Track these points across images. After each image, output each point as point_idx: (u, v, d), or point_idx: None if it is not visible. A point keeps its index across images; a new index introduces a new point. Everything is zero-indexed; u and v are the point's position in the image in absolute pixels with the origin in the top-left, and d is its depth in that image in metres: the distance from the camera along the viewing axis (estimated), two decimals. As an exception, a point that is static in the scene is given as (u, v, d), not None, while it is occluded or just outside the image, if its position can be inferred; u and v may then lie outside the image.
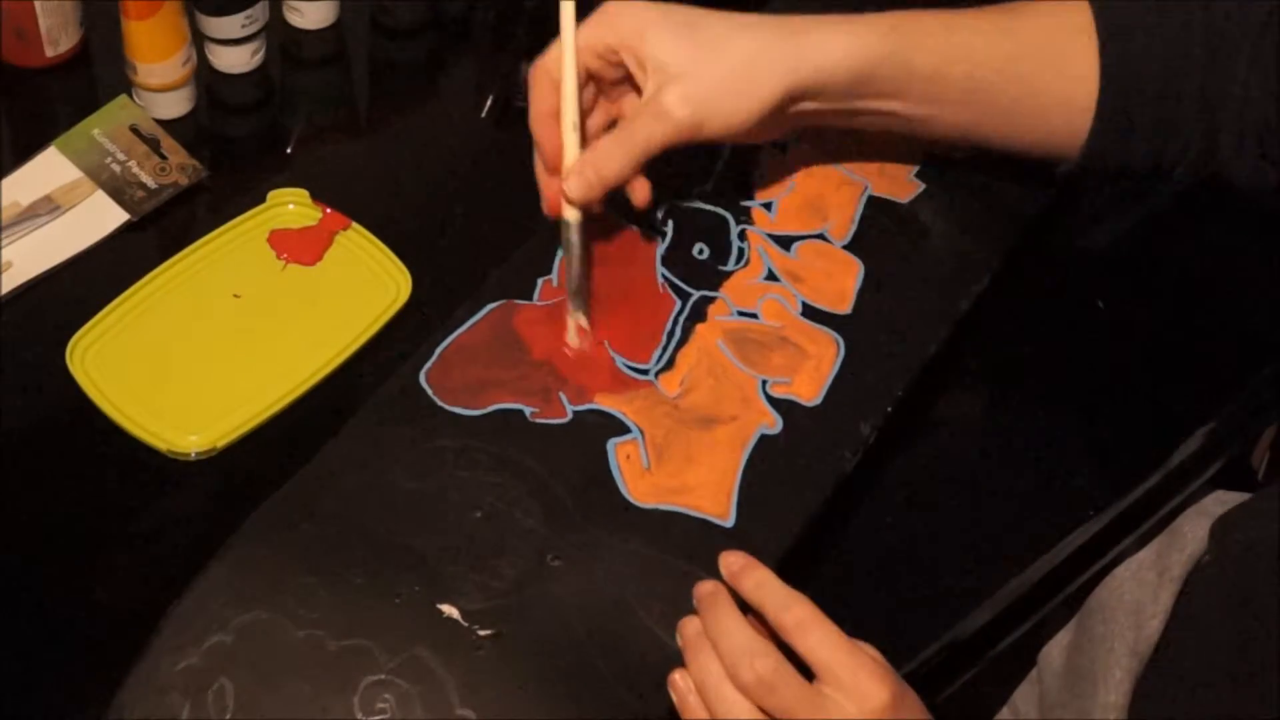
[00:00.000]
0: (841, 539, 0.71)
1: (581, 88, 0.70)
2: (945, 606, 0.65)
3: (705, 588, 0.62)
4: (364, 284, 0.78)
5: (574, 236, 0.70)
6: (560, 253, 0.72)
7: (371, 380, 0.71)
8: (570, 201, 0.69)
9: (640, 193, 0.72)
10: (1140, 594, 0.79)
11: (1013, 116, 0.72)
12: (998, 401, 0.80)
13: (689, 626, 0.61)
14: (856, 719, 0.57)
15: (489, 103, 0.91)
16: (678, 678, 0.61)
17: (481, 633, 0.62)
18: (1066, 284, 0.85)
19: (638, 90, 0.70)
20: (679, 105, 0.67)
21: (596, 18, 0.69)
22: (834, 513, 0.69)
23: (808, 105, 0.70)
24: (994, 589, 0.72)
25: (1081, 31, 0.70)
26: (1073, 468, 0.77)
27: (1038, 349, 0.82)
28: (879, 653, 0.60)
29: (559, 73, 0.69)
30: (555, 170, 0.70)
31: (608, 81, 0.71)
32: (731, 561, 0.63)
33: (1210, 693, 0.70)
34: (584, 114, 0.71)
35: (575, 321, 0.71)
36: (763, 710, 0.58)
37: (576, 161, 0.69)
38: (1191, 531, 0.79)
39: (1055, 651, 0.85)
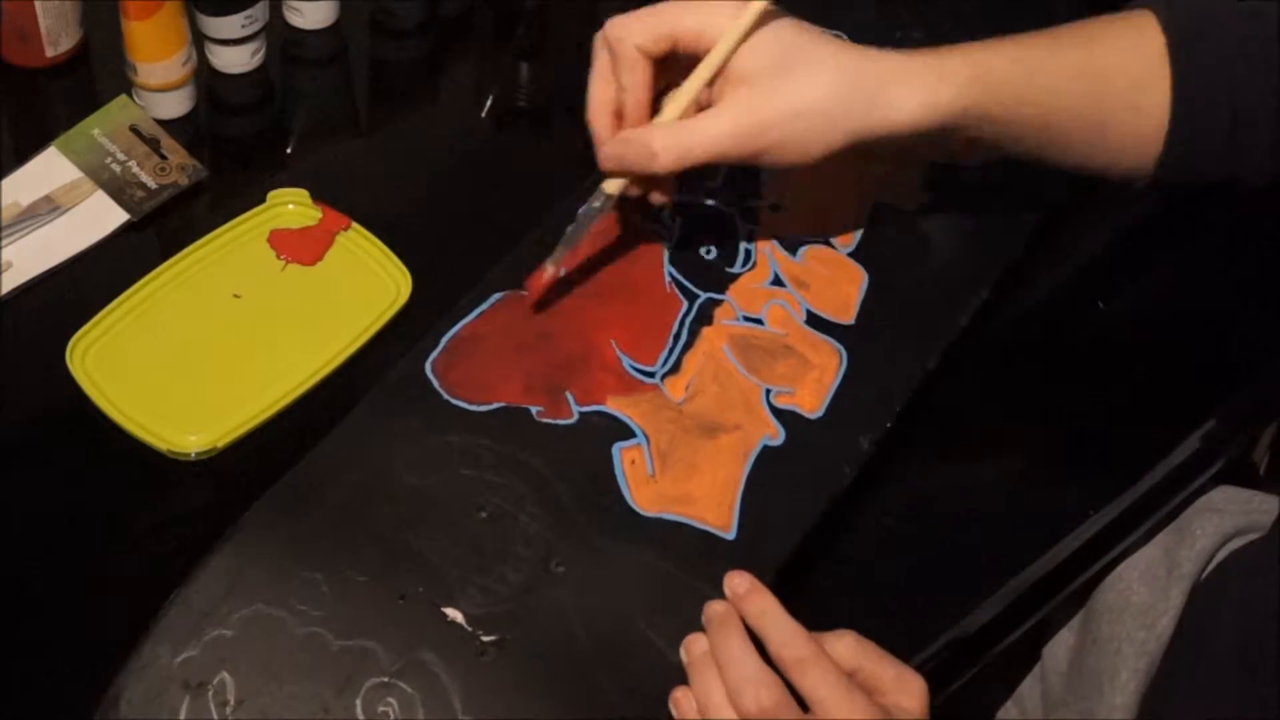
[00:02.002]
0: (843, 536, 0.71)
1: (650, 59, 0.68)
2: (946, 605, 0.65)
3: (716, 609, 0.62)
4: (364, 284, 0.78)
5: (598, 204, 0.69)
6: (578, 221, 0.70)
7: (371, 380, 0.71)
8: (604, 167, 0.68)
9: (660, 198, 0.71)
10: (1150, 593, 0.79)
11: (1083, 148, 0.71)
12: (998, 401, 0.80)
13: (695, 646, 0.61)
14: None
15: (489, 103, 0.91)
16: (680, 697, 0.61)
17: (485, 638, 0.62)
18: (1066, 284, 0.85)
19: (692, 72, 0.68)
20: (750, 133, 0.66)
21: (702, 5, 0.67)
22: (834, 511, 0.69)
23: (871, 148, 0.69)
24: (995, 588, 0.72)
25: (1156, 62, 0.69)
26: (1073, 467, 0.77)
27: (1038, 349, 0.82)
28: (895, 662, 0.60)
29: (657, 47, 0.67)
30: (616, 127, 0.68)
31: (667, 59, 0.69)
32: (737, 584, 0.63)
33: (1223, 692, 0.70)
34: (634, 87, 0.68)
35: (548, 266, 0.71)
36: None
37: (628, 132, 0.68)
38: (1200, 529, 0.79)
39: (1060, 651, 0.84)
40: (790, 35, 0.67)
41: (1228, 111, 0.69)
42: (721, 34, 0.66)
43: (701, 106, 0.69)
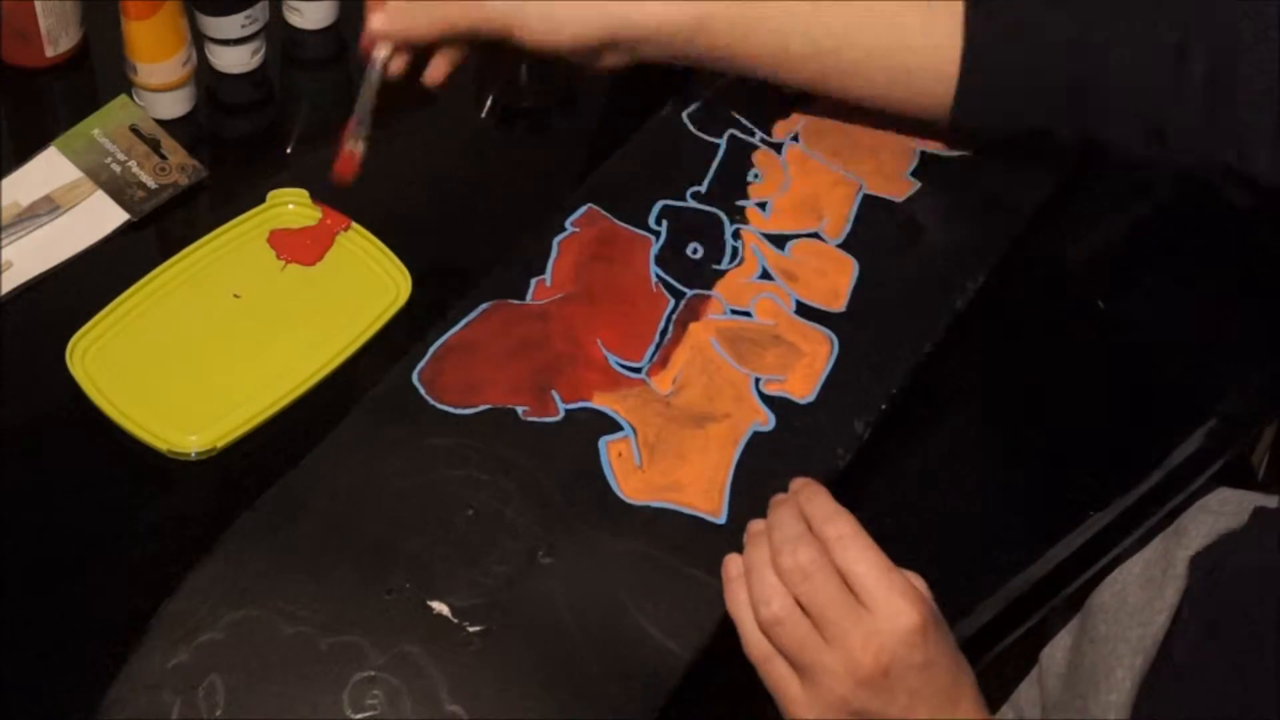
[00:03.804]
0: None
1: None
2: (945, 606, 0.64)
3: (779, 495, 0.64)
4: (364, 284, 0.78)
5: (375, 72, 0.74)
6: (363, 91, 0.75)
7: (371, 381, 0.71)
8: (372, 33, 0.73)
9: (435, 71, 0.74)
10: (1146, 592, 0.79)
11: (864, 76, 0.73)
12: (997, 401, 0.80)
13: (755, 524, 0.64)
14: (885, 633, 0.58)
15: (489, 103, 0.91)
16: (729, 562, 0.63)
17: (471, 629, 0.62)
18: (1066, 284, 0.85)
19: None
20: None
21: None
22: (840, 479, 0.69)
23: (635, 51, 0.72)
24: (993, 589, 0.72)
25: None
26: (1073, 468, 0.77)
27: (1038, 348, 0.82)
28: (923, 582, 0.61)
29: None
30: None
31: None
32: (796, 480, 0.65)
33: (1216, 689, 0.70)
34: None
35: (350, 148, 0.74)
36: (797, 599, 0.59)
37: (386, 6, 0.72)
38: (1196, 529, 0.80)
39: (1058, 652, 0.85)
40: None
41: (1024, 46, 0.71)
42: None
43: None
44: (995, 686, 0.89)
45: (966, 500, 0.75)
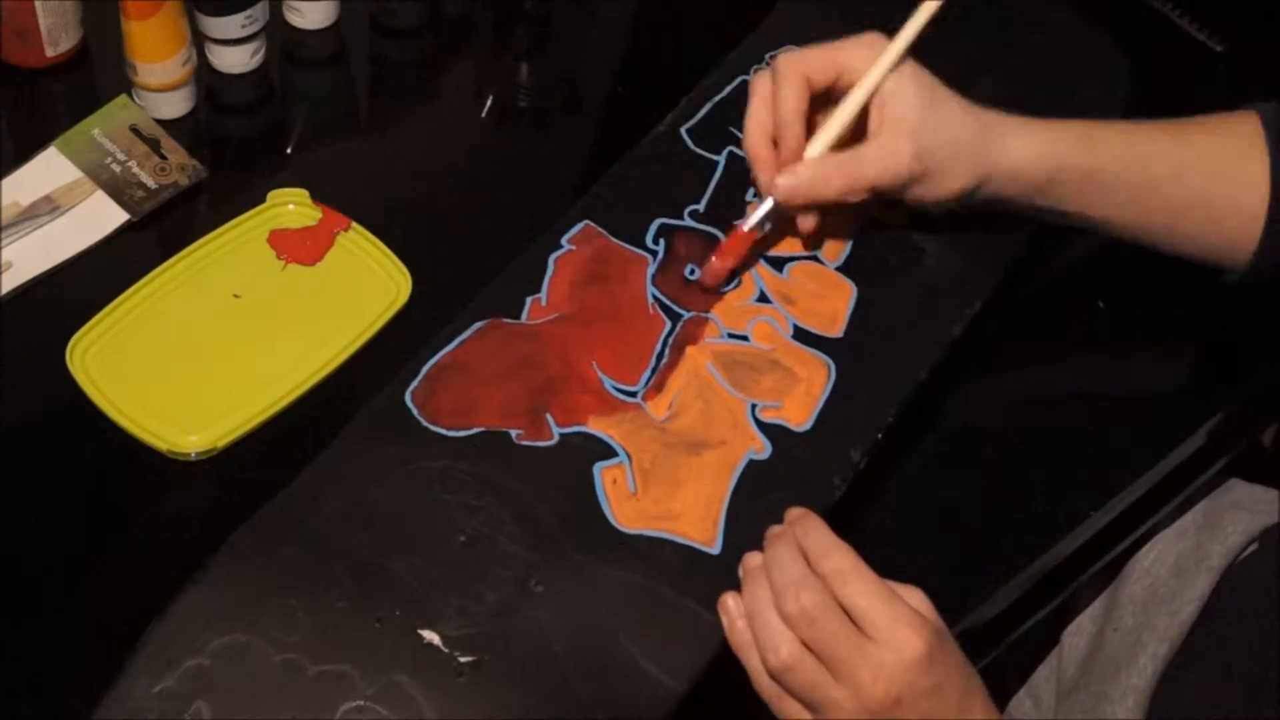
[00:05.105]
0: (844, 533, 0.71)
1: (812, 97, 0.73)
2: (945, 606, 0.64)
3: (775, 529, 0.64)
4: (364, 284, 0.78)
5: (768, 209, 0.73)
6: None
7: (371, 381, 0.71)
8: (774, 194, 0.72)
9: (808, 224, 0.75)
10: (1177, 581, 0.79)
11: (1184, 221, 0.75)
12: (997, 400, 0.80)
13: (751, 560, 0.63)
14: (893, 664, 0.58)
15: (489, 103, 0.91)
16: (729, 601, 0.62)
17: (462, 659, 0.61)
18: (1066, 284, 0.85)
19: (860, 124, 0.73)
20: (911, 156, 0.71)
21: (855, 44, 0.73)
22: (838, 505, 0.69)
23: (994, 195, 0.74)
24: (993, 589, 0.72)
25: (1253, 140, 0.74)
26: (1074, 467, 0.77)
27: (1038, 348, 0.82)
28: (924, 598, 0.61)
29: (820, 78, 0.72)
30: (788, 160, 0.72)
31: (823, 101, 0.74)
32: (791, 511, 0.65)
33: (1239, 681, 0.70)
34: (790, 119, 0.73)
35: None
36: (804, 642, 0.59)
37: (798, 166, 0.72)
38: (1232, 525, 0.80)
39: (1080, 640, 0.85)
40: (930, 81, 0.73)
41: None
42: (870, 68, 0.72)
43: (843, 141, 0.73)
44: (1012, 674, 0.89)
45: (966, 499, 0.75)
